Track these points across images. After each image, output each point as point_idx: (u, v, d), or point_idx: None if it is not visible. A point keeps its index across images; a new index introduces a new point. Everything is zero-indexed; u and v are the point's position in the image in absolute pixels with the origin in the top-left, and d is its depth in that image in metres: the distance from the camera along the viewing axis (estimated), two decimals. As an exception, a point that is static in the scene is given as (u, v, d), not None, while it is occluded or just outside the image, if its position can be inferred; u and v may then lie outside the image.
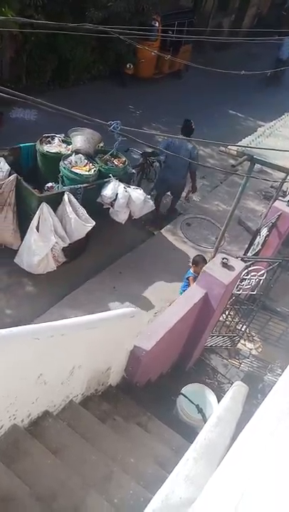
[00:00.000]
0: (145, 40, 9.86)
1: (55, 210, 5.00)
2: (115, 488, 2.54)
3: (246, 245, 5.62)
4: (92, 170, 5.46)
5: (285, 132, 6.39)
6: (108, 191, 5.41)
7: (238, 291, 4.65)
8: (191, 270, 5.06)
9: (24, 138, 5.85)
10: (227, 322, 5.13)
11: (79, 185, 5.20)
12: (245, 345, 5.27)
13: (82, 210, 5.08)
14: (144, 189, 5.98)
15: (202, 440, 2.50)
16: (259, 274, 4.72)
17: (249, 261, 4.77)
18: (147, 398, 3.78)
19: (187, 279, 5.04)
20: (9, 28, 7.13)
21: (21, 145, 5.66)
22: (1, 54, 9.25)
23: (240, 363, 5.02)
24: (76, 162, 5.46)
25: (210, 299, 3.98)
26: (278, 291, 5.72)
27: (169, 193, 7.26)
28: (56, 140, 5.81)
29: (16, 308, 4.98)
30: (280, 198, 5.81)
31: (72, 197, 5.04)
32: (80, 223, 5.06)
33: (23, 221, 5.17)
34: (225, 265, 3.94)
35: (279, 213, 5.36)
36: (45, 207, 4.89)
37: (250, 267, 4.68)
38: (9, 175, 5.05)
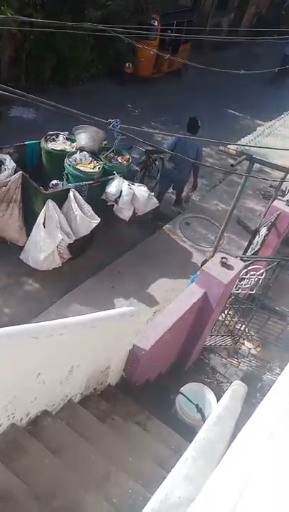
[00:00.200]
0: (144, 39, 9.87)
1: (60, 207, 5.05)
2: (114, 487, 2.54)
3: (245, 245, 5.62)
4: (97, 167, 5.52)
5: (284, 132, 6.40)
6: (112, 188, 5.46)
7: (237, 290, 4.65)
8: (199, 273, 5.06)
9: (23, 136, 5.85)
10: (226, 321, 5.13)
11: (84, 183, 5.25)
12: (244, 344, 5.27)
13: (88, 207, 5.13)
14: (146, 186, 6.01)
15: (201, 439, 2.50)
16: (258, 273, 4.72)
17: (248, 260, 4.77)
18: (146, 397, 3.77)
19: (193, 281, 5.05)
20: (8, 26, 7.12)
21: (26, 143, 5.72)
22: (0, 53, 9.24)
23: (240, 363, 5.02)
24: (81, 159, 5.52)
25: (209, 298, 3.98)
26: (277, 291, 5.72)
27: (171, 189, 7.36)
28: (60, 138, 5.87)
29: (15, 307, 4.97)
30: (279, 197, 5.81)
31: (77, 194, 5.09)
32: (86, 220, 5.11)
33: (28, 218, 5.23)
34: (224, 264, 3.93)
35: (278, 213, 5.36)
36: (51, 204, 4.93)
37: (249, 266, 4.68)
38: (15, 172, 5.10)
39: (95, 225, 5.18)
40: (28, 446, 2.55)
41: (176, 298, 4.14)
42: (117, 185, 5.47)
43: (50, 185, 5.50)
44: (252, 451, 1.67)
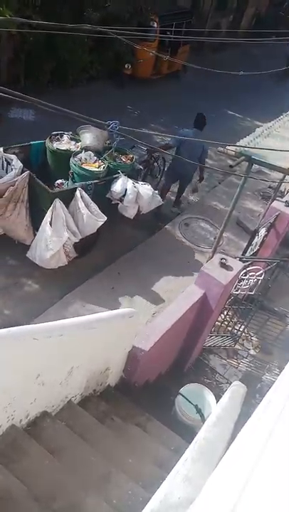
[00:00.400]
0: (143, 40, 9.87)
1: (67, 206, 5.11)
2: (114, 488, 2.54)
3: (244, 245, 5.63)
4: (102, 166, 5.60)
5: (283, 133, 6.41)
6: (118, 187, 5.54)
7: (237, 291, 4.65)
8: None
9: (22, 138, 5.86)
10: (225, 322, 5.14)
11: (90, 182, 5.32)
12: (243, 345, 5.27)
13: (94, 206, 5.20)
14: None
15: (201, 440, 2.50)
16: (257, 274, 4.73)
17: (247, 261, 4.78)
18: (146, 398, 3.78)
19: None
20: (7, 28, 7.12)
21: (31, 143, 5.78)
22: (-1, 54, 9.26)
23: (239, 363, 5.03)
24: (86, 159, 5.60)
25: (208, 299, 3.99)
26: (276, 292, 5.73)
27: (175, 184, 7.44)
28: (65, 137, 5.94)
29: (13, 308, 4.97)
30: (278, 198, 5.83)
31: (84, 193, 5.16)
32: (93, 218, 5.17)
33: (34, 217, 5.29)
34: (223, 265, 3.94)
35: (277, 214, 5.37)
36: (58, 203, 4.99)
37: (248, 267, 4.69)
38: (22, 172, 5.17)
39: (102, 223, 5.24)
40: (28, 447, 2.55)
41: (175, 299, 4.14)
42: (122, 184, 5.55)
43: (55, 185, 5.58)
44: (251, 451, 1.67)
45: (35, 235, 5.26)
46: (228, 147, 5.33)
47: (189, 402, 3.82)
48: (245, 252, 5.37)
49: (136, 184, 5.70)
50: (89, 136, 5.73)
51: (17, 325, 2.38)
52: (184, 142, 6.44)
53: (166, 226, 7.05)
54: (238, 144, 5.68)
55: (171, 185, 7.40)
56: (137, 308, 4.71)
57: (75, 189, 5.18)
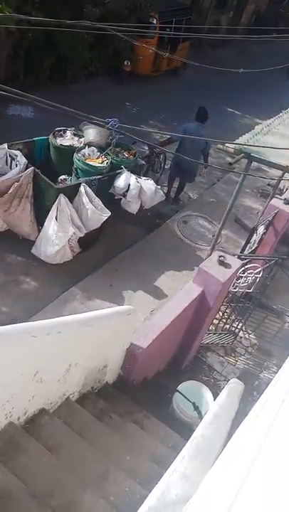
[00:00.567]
0: (143, 37, 9.84)
1: (71, 201, 5.17)
2: (111, 485, 2.54)
3: (243, 243, 5.63)
4: (105, 162, 5.65)
5: (282, 130, 6.39)
6: (121, 182, 5.61)
7: (235, 288, 4.66)
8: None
9: (21, 135, 5.85)
10: (224, 320, 5.14)
11: (93, 177, 5.37)
12: (241, 342, 5.28)
13: (98, 201, 5.26)
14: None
15: (198, 437, 2.51)
16: (255, 272, 4.73)
17: (246, 259, 4.78)
18: (144, 396, 3.78)
19: None
20: (6, 24, 7.10)
21: (35, 139, 5.83)
22: (-2, 50, 9.21)
23: (237, 361, 5.04)
24: (89, 154, 5.65)
25: (206, 296, 3.99)
26: (274, 289, 5.74)
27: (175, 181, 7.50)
28: (68, 133, 5.99)
29: (11, 305, 4.96)
30: (276, 195, 5.82)
31: (88, 188, 5.21)
32: (97, 213, 5.24)
33: (39, 213, 5.35)
34: (221, 263, 3.94)
35: (276, 211, 5.36)
36: (62, 198, 5.06)
37: (246, 264, 4.69)
38: (26, 168, 5.22)
39: (106, 218, 5.30)
40: (26, 444, 2.55)
41: (173, 296, 4.15)
42: (125, 179, 5.62)
43: (59, 181, 5.62)
44: (249, 449, 1.68)
45: (39, 230, 5.32)
46: (227, 144, 5.33)
47: (187, 399, 3.82)
48: (243, 249, 5.37)
49: (139, 179, 5.75)
50: (92, 132, 5.77)
51: (15, 322, 2.38)
52: (185, 138, 6.51)
53: (165, 223, 7.04)
54: (237, 141, 5.66)
55: (176, 178, 7.47)
56: (135, 305, 4.71)
57: (79, 184, 5.24)
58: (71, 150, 5.66)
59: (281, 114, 7.57)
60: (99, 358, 3.33)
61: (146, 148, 6.82)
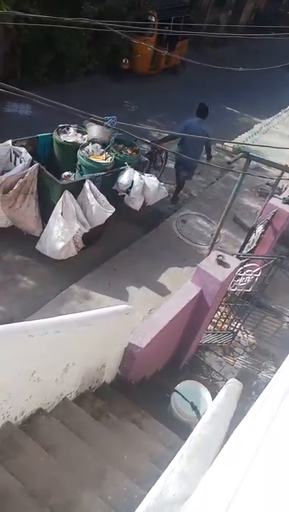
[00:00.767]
0: (141, 35, 9.80)
1: (75, 197, 5.21)
2: (109, 485, 2.54)
3: (242, 242, 5.62)
4: (109, 158, 5.68)
5: (281, 129, 6.41)
6: (124, 179, 5.65)
7: (233, 288, 4.65)
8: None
9: (19, 132, 5.81)
10: (222, 319, 5.14)
11: (98, 174, 5.41)
12: (239, 342, 5.28)
13: (103, 197, 5.31)
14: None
15: (196, 437, 2.50)
16: (254, 271, 4.72)
17: (244, 258, 4.77)
18: (142, 395, 3.77)
19: None
20: (4, 21, 7.06)
21: (38, 135, 5.87)
22: (-5, 48, 9.17)
23: (235, 360, 5.03)
24: (93, 151, 5.68)
25: (205, 296, 3.98)
26: (273, 289, 5.73)
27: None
28: (72, 130, 6.04)
29: (9, 305, 4.95)
30: (275, 195, 5.81)
31: (92, 184, 5.26)
32: (102, 210, 5.29)
33: (43, 209, 5.40)
34: (220, 262, 3.93)
35: (274, 211, 5.35)
36: (67, 194, 5.10)
37: (245, 264, 4.68)
38: (31, 164, 5.27)
39: (110, 214, 5.35)
40: (23, 444, 2.55)
41: (172, 296, 4.14)
42: (128, 176, 5.65)
43: (62, 177, 5.65)
44: (247, 448, 1.67)
45: (43, 226, 5.36)
46: (226, 143, 5.32)
47: (185, 399, 3.82)
48: (242, 249, 5.36)
49: (142, 176, 5.80)
50: (95, 129, 5.80)
51: (12, 321, 2.37)
52: (188, 132, 6.55)
53: (163, 223, 7.03)
54: (236, 140, 5.66)
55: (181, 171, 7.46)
56: (133, 304, 4.70)
57: (83, 181, 5.28)
58: (75, 146, 5.71)
59: (280, 113, 7.60)
60: (97, 357, 3.32)
61: (145, 147, 6.81)
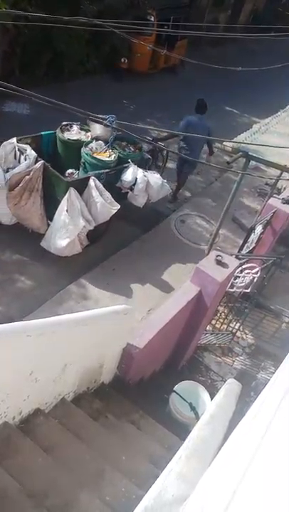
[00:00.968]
0: (140, 34, 9.80)
1: (80, 195, 5.25)
2: (107, 485, 2.53)
3: (240, 243, 5.61)
4: (113, 156, 5.72)
5: (280, 129, 6.40)
6: (128, 176, 5.71)
7: (232, 288, 4.64)
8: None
9: (18, 131, 5.79)
10: (221, 320, 5.13)
11: (102, 171, 5.45)
12: (238, 342, 5.27)
13: (108, 194, 5.36)
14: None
15: (195, 438, 2.50)
16: (253, 271, 4.71)
17: (243, 258, 4.76)
18: (140, 396, 3.76)
19: None
20: (2, 20, 7.05)
21: (42, 133, 5.92)
22: (-6, 47, 9.15)
23: (234, 361, 5.02)
24: (97, 148, 5.73)
25: (204, 296, 3.97)
26: (272, 289, 5.72)
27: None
28: (75, 128, 6.09)
29: (7, 305, 4.93)
30: (274, 195, 5.80)
31: (97, 181, 5.31)
32: (107, 207, 5.33)
33: (48, 206, 5.42)
34: (219, 262, 3.92)
35: (273, 211, 5.35)
36: (73, 191, 5.13)
37: (244, 264, 4.67)
38: (36, 162, 5.30)
39: (115, 211, 5.39)
40: (21, 444, 2.53)
41: (170, 296, 4.13)
42: (132, 173, 5.70)
43: (66, 174, 5.67)
44: (246, 449, 1.67)
45: (48, 224, 5.40)
46: (225, 143, 5.31)
47: (184, 399, 3.81)
48: (241, 249, 5.35)
49: (146, 173, 5.84)
50: (99, 127, 5.82)
51: (10, 321, 2.36)
52: (190, 129, 6.67)
53: (162, 223, 7.02)
54: (235, 140, 5.65)
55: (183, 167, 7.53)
56: (132, 304, 4.70)
57: (88, 178, 5.33)
58: (78, 144, 5.77)
59: (279, 113, 7.58)
60: (95, 357, 3.31)
61: (146, 146, 6.81)
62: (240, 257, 4.63)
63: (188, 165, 7.40)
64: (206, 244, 6.28)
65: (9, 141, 5.43)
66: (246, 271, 4.61)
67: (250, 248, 5.31)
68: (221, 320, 5.14)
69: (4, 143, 5.43)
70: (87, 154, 5.58)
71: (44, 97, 2.80)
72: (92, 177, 5.30)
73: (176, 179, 7.54)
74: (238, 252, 5.26)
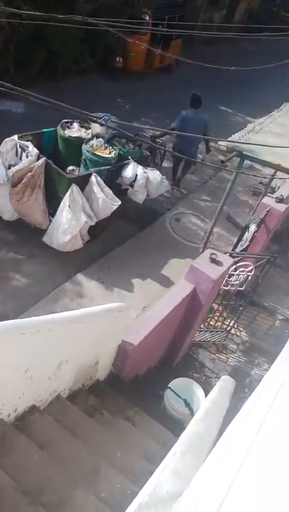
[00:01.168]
0: (135, 33, 9.80)
1: (81, 191, 5.32)
2: (102, 482, 2.53)
3: (235, 241, 5.64)
4: (113, 153, 5.80)
5: (274, 129, 6.43)
6: (128, 172, 5.80)
7: (227, 286, 4.66)
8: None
9: (13, 130, 5.78)
10: (215, 317, 5.16)
11: (103, 167, 5.53)
12: (232, 339, 5.30)
13: (109, 190, 5.44)
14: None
15: (189, 434, 2.51)
16: (247, 270, 4.74)
17: (237, 257, 4.79)
18: (135, 393, 3.78)
19: None
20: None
21: (43, 130, 5.98)
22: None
23: (228, 358, 5.05)
24: (97, 145, 5.80)
25: (198, 293, 3.99)
26: (266, 287, 5.76)
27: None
28: (75, 125, 6.17)
29: (2, 303, 4.93)
30: (268, 194, 5.84)
31: (99, 178, 5.39)
32: (108, 202, 5.41)
33: (50, 202, 5.52)
34: (213, 261, 3.94)
35: (267, 209, 5.38)
36: (75, 188, 5.21)
37: (238, 262, 4.70)
38: (38, 158, 5.37)
39: (116, 206, 5.47)
40: (17, 441, 2.53)
41: (165, 293, 4.14)
42: (132, 170, 5.80)
43: (67, 171, 5.73)
44: (240, 445, 1.68)
45: (50, 220, 5.46)
46: (219, 142, 5.33)
47: (178, 396, 3.83)
48: (235, 247, 5.38)
49: (145, 170, 5.94)
50: (99, 124, 5.83)
51: (5, 319, 2.36)
52: (186, 122, 6.89)
53: (157, 221, 7.03)
54: (229, 139, 5.68)
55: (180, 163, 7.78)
56: (127, 302, 4.70)
57: (89, 175, 5.41)
58: (79, 141, 5.84)
59: (273, 112, 7.61)
60: (90, 354, 3.32)
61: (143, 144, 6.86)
62: (234, 255, 4.65)
63: (184, 163, 7.47)
64: (201, 243, 6.30)
65: (10, 138, 5.49)
66: (240, 269, 4.64)
67: (245, 246, 5.34)
68: (216, 317, 5.17)
69: (6, 140, 5.48)
70: (88, 151, 5.65)
71: (39, 95, 2.80)
72: (94, 173, 5.37)
73: (171, 177, 7.57)
74: (233, 250, 5.29)
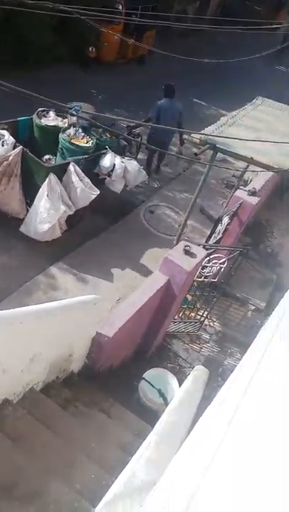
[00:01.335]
0: (108, 23, 9.67)
1: (60, 180, 5.27)
2: (77, 473, 2.53)
3: (208, 233, 5.70)
4: (90, 142, 5.76)
5: (247, 122, 6.48)
6: (106, 162, 5.79)
7: (200, 278, 4.71)
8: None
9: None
10: (189, 308, 5.21)
11: (80, 157, 5.49)
12: (206, 330, 5.37)
13: (87, 180, 5.41)
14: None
15: (163, 423, 2.54)
16: (220, 261, 4.81)
17: (211, 249, 4.85)
18: (110, 384, 3.79)
19: None
20: None
21: (18, 119, 5.87)
22: None
23: (201, 348, 5.12)
24: (75, 135, 5.74)
25: (172, 285, 4.02)
26: (239, 278, 5.86)
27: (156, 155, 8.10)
28: (52, 114, 6.08)
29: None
30: (241, 187, 5.92)
31: (77, 167, 5.34)
32: (86, 192, 5.39)
33: (27, 192, 5.48)
34: (187, 252, 3.98)
35: (240, 202, 5.45)
36: (52, 177, 5.16)
37: (211, 254, 4.76)
38: (14, 147, 5.29)
39: (95, 196, 5.45)
40: (-11, 435, 2.50)
41: (140, 285, 4.15)
42: (110, 159, 5.79)
43: (43, 160, 5.64)
44: (213, 434, 1.71)
45: (27, 209, 5.43)
46: (192, 135, 5.35)
47: (152, 386, 3.86)
48: (208, 239, 5.44)
49: (123, 159, 5.95)
50: None
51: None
52: (162, 112, 7.02)
53: (131, 213, 7.02)
54: (202, 132, 5.70)
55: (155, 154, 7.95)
56: (101, 294, 4.69)
57: (67, 164, 5.36)
58: (56, 130, 5.77)
59: (246, 106, 7.67)
60: (64, 347, 3.29)
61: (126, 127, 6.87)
62: (207, 247, 4.70)
63: (158, 154, 7.50)
64: (175, 235, 6.34)
65: None
66: (214, 261, 4.70)
67: (218, 239, 5.41)
68: (189, 308, 5.22)
69: None
70: (64, 140, 5.60)
71: (8, 84, 2.73)
72: (72, 163, 5.33)
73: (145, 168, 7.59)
74: (206, 242, 5.35)
